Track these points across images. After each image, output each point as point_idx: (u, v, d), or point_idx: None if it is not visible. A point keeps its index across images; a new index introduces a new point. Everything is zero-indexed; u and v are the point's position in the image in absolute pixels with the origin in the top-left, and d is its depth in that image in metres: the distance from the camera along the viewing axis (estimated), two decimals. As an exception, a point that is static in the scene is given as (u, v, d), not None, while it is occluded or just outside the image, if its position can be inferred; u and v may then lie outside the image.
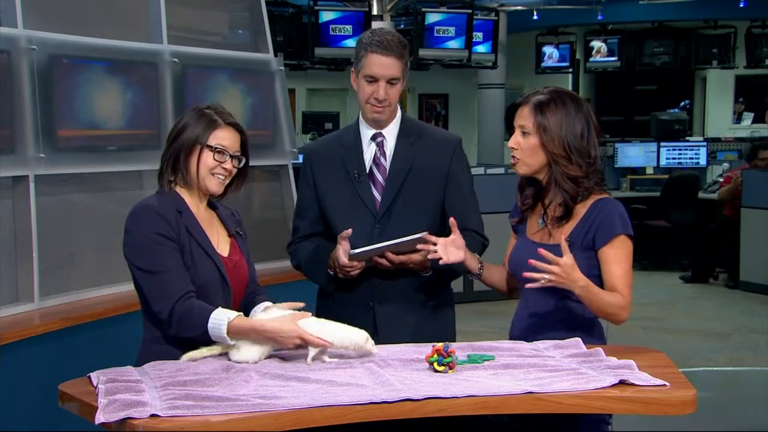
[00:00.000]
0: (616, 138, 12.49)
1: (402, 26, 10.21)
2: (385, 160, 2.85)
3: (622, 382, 2.11)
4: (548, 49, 13.20)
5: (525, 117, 2.55)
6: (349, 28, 8.72)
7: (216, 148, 2.44)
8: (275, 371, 2.20)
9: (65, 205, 3.72)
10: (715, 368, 5.96)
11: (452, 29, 9.42)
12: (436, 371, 2.20)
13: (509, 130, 2.62)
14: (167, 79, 4.08)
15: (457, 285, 2.98)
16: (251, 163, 2.56)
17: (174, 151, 2.45)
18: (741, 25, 12.45)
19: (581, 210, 2.54)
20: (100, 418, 1.91)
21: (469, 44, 9.56)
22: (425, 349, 2.30)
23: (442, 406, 2.00)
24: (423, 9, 9.33)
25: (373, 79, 2.77)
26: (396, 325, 2.78)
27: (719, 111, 15.38)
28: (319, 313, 2.62)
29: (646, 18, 12.82)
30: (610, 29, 13.04)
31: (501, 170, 8.13)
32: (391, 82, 2.77)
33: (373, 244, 2.70)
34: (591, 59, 13.20)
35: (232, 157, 2.47)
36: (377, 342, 2.47)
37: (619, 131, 14.39)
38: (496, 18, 10.36)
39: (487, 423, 2.40)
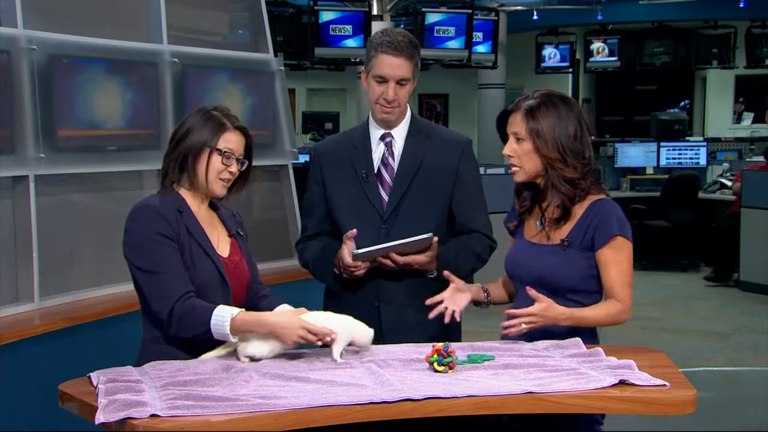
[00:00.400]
0: (616, 138, 12.49)
1: (402, 26, 10.20)
2: (394, 160, 2.85)
3: (622, 382, 2.11)
4: (548, 49, 13.20)
5: (517, 123, 2.55)
6: (349, 28, 8.72)
7: (224, 151, 2.44)
8: (275, 371, 2.20)
9: (65, 205, 3.72)
10: (715, 368, 5.96)
11: (452, 29, 9.43)
12: (436, 371, 2.20)
13: (502, 137, 2.62)
14: (167, 79, 4.08)
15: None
16: (253, 163, 2.57)
17: (181, 153, 2.45)
18: (741, 25, 12.45)
19: (579, 211, 2.54)
20: (100, 418, 1.91)
21: (469, 44, 9.56)
22: (425, 349, 2.30)
23: (442, 406, 2.00)
24: (423, 9, 9.33)
25: (382, 80, 2.77)
26: (401, 325, 2.77)
27: (719, 111, 15.39)
28: None
29: (646, 18, 12.83)
30: (610, 29, 13.05)
31: (501, 170, 8.12)
32: (400, 82, 2.77)
33: (378, 245, 2.69)
34: (591, 59, 13.20)
35: (237, 160, 2.47)
36: (382, 342, 2.48)
37: (619, 131, 14.40)
38: (496, 18, 10.36)
39: (487, 423, 2.40)
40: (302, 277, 3.01)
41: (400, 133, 2.87)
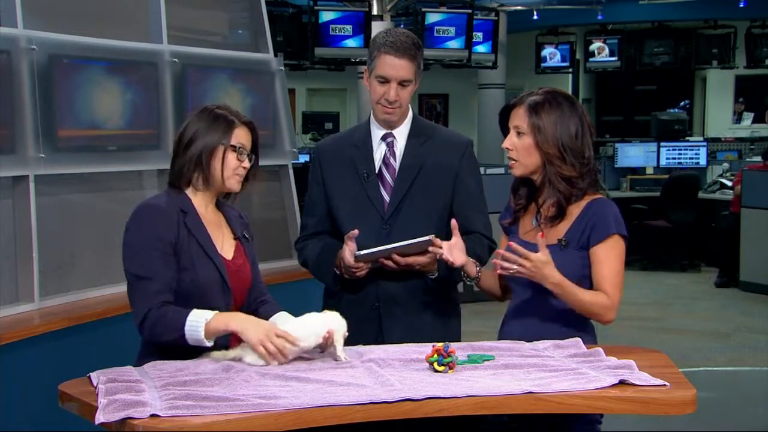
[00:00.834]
0: (616, 138, 12.50)
1: (402, 26, 10.20)
2: (395, 160, 2.85)
3: (622, 382, 2.11)
4: (548, 49, 13.20)
5: (520, 117, 2.56)
6: (349, 28, 8.73)
7: (238, 147, 2.46)
8: (275, 371, 2.20)
9: (65, 205, 3.72)
10: (715, 368, 5.96)
11: (452, 29, 9.43)
12: (436, 371, 2.20)
13: (503, 131, 2.63)
14: (167, 79, 4.08)
15: (457, 285, 2.98)
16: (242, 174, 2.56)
17: (195, 154, 2.44)
18: (741, 25, 12.45)
19: (576, 210, 2.54)
20: (100, 418, 1.91)
21: (469, 44, 9.56)
22: (425, 349, 2.30)
23: (442, 406, 2.00)
24: (423, 9, 9.34)
25: (384, 80, 2.76)
26: (401, 326, 2.77)
27: (719, 111, 15.39)
28: None
29: (646, 18, 12.83)
30: (610, 29, 13.05)
31: (501, 170, 8.13)
32: (402, 83, 2.77)
33: (380, 245, 2.69)
34: (591, 59, 13.20)
35: (247, 155, 2.49)
36: (382, 342, 2.47)
37: (619, 131, 14.41)
38: (496, 18, 10.36)
39: (487, 423, 2.40)
40: (302, 277, 3.01)
41: (401, 134, 2.87)
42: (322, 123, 11.11)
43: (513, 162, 2.59)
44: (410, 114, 2.89)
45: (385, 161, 2.85)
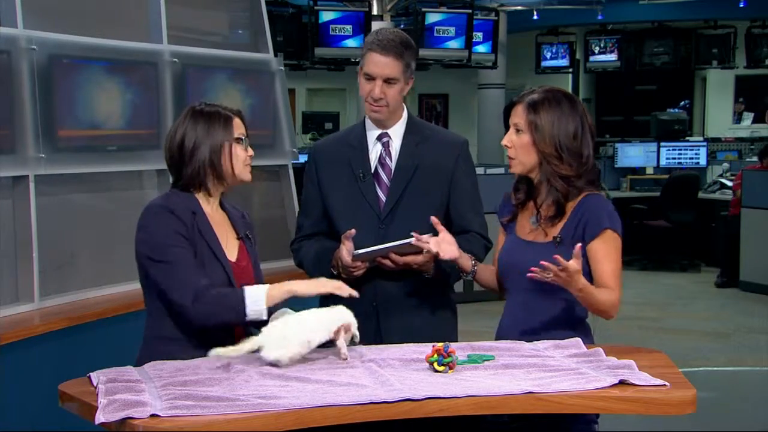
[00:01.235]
0: (616, 138, 12.50)
1: (402, 26, 10.19)
2: (391, 160, 2.85)
3: (622, 382, 2.11)
4: (548, 49, 13.20)
5: (519, 115, 2.56)
6: (349, 28, 8.73)
7: (243, 139, 2.50)
8: (275, 371, 2.20)
9: (65, 205, 3.72)
10: (715, 368, 5.96)
11: (452, 29, 9.43)
12: (436, 371, 2.20)
13: (506, 128, 2.63)
14: (167, 79, 4.08)
15: (457, 285, 2.98)
16: (252, 163, 2.58)
17: (205, 160, 2.45)
18: (741, 25, 12.45)
19: (570, 207, 2.54)
20: (100, 418, 1.91)
21: (469, 44, 9.56)
22: (425, 349, 2.30)
23: (442, 406, 2.00)
24: (423, 9, 9.34)
25: (370, 77, 2.78)
26: (399, 325, 2.78)
27: (719, 111, 15.38)
28: None
29: (646, 18, 12.82)
30: (610, 29, 13.04)
31: (501, 170, 8.13)
32: (388, 81, 2.77)
33: (377, 245, 2.69)
34: (591, 59, 13.20)
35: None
36: (380, 341, 2.47)
37: (619, 131, 14.40)
38: (496, 18, 10.36)
39: (487, 423, 2.40)
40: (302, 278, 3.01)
41: (397, 133, 2.87)
42: (322, 123, 11.11)
43: (511, 159, 2.60)
44: (405, 114, 2.90)
45: (381, 161, 2.85)
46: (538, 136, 2.51)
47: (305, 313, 2.37)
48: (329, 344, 2.34)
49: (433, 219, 2.65)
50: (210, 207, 2.50)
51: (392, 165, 2.84)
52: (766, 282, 8.45)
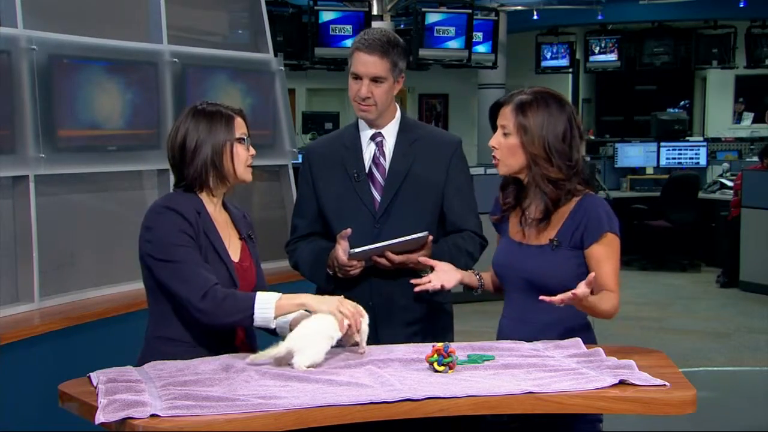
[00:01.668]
0: (616, 138, 12.49)
1: (402, 26, 10.22)
2: (385, 160, 2.85)
3: (622, 382, 2.11)
4: (548, 49, 13.20)
5: (507, 117, 2.53)
6: (349, 28, 8.73)
7: (245, 139, 2.49)
8: (275, 371, 2.20)
9: (65, 205, 3.72)
10: (715, 368, 5.96)
11: (452, 29, 9.43)
12: (436, 371, 2.20)
13: (493, 128, 2.61)
14: (167, 79, 4.08)
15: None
16: (252, 163, 2.58)
17: (206, 159, 2.44)
18: (741, 25, 12.45)
19: (566, 209, 2.52)
20: (100, 418, 1.91)
21: (469, 44, 9.56)
22: (425, 349, 2.30)
23: (442, 406, 2.00)
24: (423, 9, 9.34)
25: (357, 77, 2.80)
26: (395, 324, 2.78)
27: (719, 111, 15.38)
28: None
29: (646, 18, 12.82)
30: (610, 29, 13.05)
31: (501, 170, 8.12)
32: (375, 80, 2.78)
33: (372, 244, 2.70)
34: (591, 59, 13.20)
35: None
36: (376, 340, 2.47)
37: (619, 131, 14.39)
38: (496, 18, 10.36)
39: (487, 423, 2.40)
40: (302, 278, 3.01)
41: (390, 133, 2.88)
42: (322, 123, 11.10)
43: (497, 161, 2.57)
44: (398, 113, 2.90)
45: (375, 161, 2.85)
46: (527, 139, 2.49)
47: (314, 317, 2.37)
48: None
49: (422, 258, 2.65)
50: (213, 207, 2.50)
51: (386, 164, 2.84)
52: (766, 282, 8.45)
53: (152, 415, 1.89)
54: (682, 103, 16.06)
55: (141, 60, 4.00)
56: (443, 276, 2.62)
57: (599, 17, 12.40)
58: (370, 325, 2.41)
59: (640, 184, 10.65)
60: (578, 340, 2.45)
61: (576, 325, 2.55)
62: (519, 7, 12.08)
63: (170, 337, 2.41)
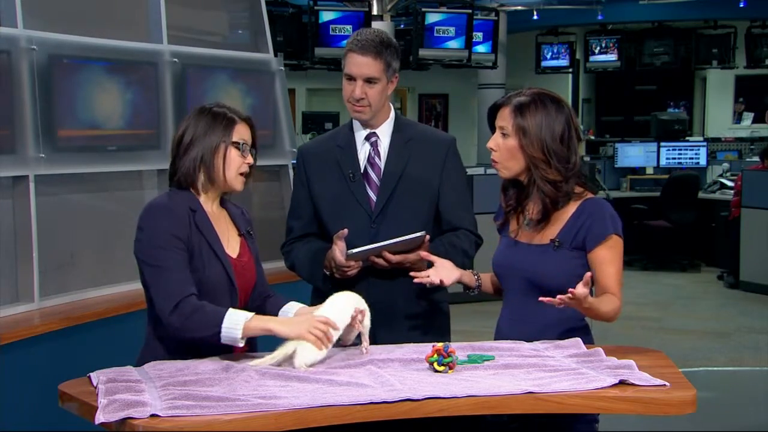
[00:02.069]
0: (616, 138, 12.49)
1: (402, 26, 10.21)
2: (380, 159, 2.86)
3: (622, 382, 2.11)
4: (548, 49, 13.20)
5: (505, 118, 2.52)
6: (349, 28, 8.73)
7: (240, 144, 2.46)
8: (275, 371, 2.20)
9: (65, 205, 3.72)
10: (715, 368, 5.96)
11: (452, 29, 9.43)
12: (436, 371, 2.20)
13: (491, 130, 2.61)
14: (167, 79, 4.08)
15: (456, 285, 2.98)
16: (246, 171, 2.56)
17: (197, 156, 2.44)
18: (741, 25, 12.45)
19: (568, 210, 2.52)
20: (100, 418, 1.91)
21: (469, 44, 9.57)
22: (425, 349, 2.30)
23: (442, 406, 2.00)
24: (423, 9, 9.34)
25: (350, 78, 2.79)
26: (392, 323, 2.78)
27: (719, 111, 15.39)
28: None
29: (646, 18, 12.82)
30: (610, 29, 13.05)
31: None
32: (369, 81, 2.77)
33: (369, 244, 2.70)
34: (591, 59, 13.20)
35: (249, 151, 2.50)
36: (374, 340, 2.47)
37: (619, 131, 14.40)
38: (496, 18, 10.36)
39: (487, 423, 2.40)
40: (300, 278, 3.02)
41: (384, 133, 2.88)
42: (322, 123, 11.08)
43: (496, 163, 2.57)
44: (392, 113, 2.90)
45: (370, 161, 2.86)
46: (526, 141, 2.48)
47: (323, 307, 2.39)
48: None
49: (423, 253, 2.66)
50: (210, 205, 2.50)
51: (381, 164, 2.85)
52: (766, 282, 8.45)
53: (152, 415, 1.89)
54: (682, 103, 16.06)
55: (141, 60, 4.00)
56: (442, 272, 2.62)
57: (599, 17, 12.40)
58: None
59: (640, 184, 10.64)
60: (578, 340, 2.44)
61: (574, 326, 2.54)
62: (519, 7, 12.08)
63: (169, 337, 2.41)
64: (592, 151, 12.13)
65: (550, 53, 13.22)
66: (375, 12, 9.23)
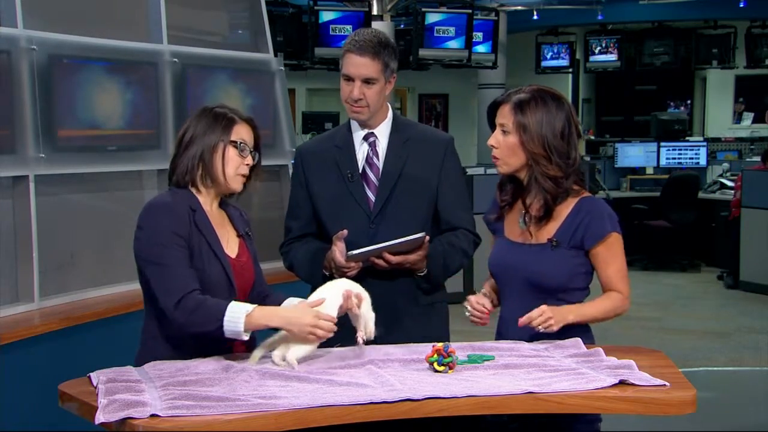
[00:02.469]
0: (616, 138, 12.49)
1: (402, 26, 10.21)
2: (378, 160, 2.85)
3: (622, 382, 2.11)
4: (548, 49, 13.20)
5: (505, 115, 2.53)
6: (349, 28, 8.73)
7: (239, 144, 2.46)
8: (275, 371, 2.20)
9: (65, 205, 3.72)
10: (715, 368, 5.96)
11: (452, 29, 9.43)
12: (436, 371, 2.20)
13: (491, 127, 2.61)
14: (167, 79, 4.08)
15: (456, 285, 2.99)
16: (245, 173, 2.56)
17: (196, 154, 2.44)
18: (741, 25, 12.45)
19: (565, 209, 2.52)
20: (100, 418, 1.91)
21: (469, 44, 9.57)
22: (425, 349, 2.30)
23: (442, 406, 2.00)
24: (423, 9, 9.34)
25: (348, 78, 2.78)
26: (392, 324, 2.76)
27: (719, 111, 15.39)
28: None
29: (646, 18, 12.82)
30: (610, 29, 13.05)
31: (501, 170, 8.11)
32: (367, 82, 2.77)
33: (368, 245, 2.69)
34: (591, 59, 13.20)
35: (249, 152, 2.50)
36: (373, 340, 2.47)
37: (619, 131, 14.40)
38: (496, 18, 10.37)
39: (487, 423, 2.40)
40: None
41: (383, 133, 2.88)
42: (322, 123, 11.08)
43: (496, 160, 2.58)
44: (390, 113, 2.90)
45: (369, 161, 2.86)
46: (527, 138, 2.49)
47: (313, 295, 2.40)
48: (335, 344, 2.37)
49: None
50: (209, 205, 2.50)
51: (380, 164, 2.85)
52: (766, 282, 8.45)
53: (152, 415, 1.89)
54: (685, 102, 16.06)
55: (141, 60, 4.00)
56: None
57: (599, 17, 12.40)
58: None
59: (640, 184, 10.64)
60: (578, 340, 2.45)
61: (574, 323, 2.54)
62: (519, 7, 12.08)
63: (166, 336, 2.41)
64: (592, 151, 12.13)
65: (550, 53, 13.23)
66: (375, 12, 9.23)
